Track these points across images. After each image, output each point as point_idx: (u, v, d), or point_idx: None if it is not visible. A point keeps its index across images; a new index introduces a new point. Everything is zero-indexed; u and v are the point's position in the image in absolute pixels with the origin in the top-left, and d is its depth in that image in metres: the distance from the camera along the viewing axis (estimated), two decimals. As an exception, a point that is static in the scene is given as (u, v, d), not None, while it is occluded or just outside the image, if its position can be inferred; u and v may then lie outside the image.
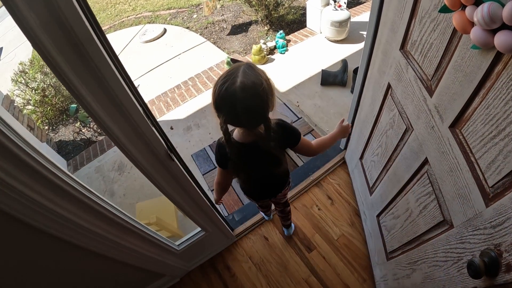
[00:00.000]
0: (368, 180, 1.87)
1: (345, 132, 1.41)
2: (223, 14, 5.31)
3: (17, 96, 3.87)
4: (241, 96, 0.92)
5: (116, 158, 3.12)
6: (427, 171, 1.11)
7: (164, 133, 1.16)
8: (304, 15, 4.82)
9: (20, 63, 3.95)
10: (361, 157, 1.98)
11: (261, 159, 1.20)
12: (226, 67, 3.70)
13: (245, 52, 4.41)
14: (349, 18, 3.55)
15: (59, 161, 3.20)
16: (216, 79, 1.00)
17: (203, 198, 1.52)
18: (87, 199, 1.03)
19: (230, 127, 1.06)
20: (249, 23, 4.92)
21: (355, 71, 2.99)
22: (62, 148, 3.79)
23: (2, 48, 6.19)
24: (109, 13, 6.23)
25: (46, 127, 4.18)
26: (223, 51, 4.52)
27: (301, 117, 2.99)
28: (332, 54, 3.66)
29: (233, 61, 3.60)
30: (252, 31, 4.78)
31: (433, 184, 1.07)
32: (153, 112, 3.45)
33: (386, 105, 1.47)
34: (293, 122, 2.92)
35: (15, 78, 3.78)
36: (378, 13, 1.39)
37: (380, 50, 1.45)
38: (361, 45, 3.72)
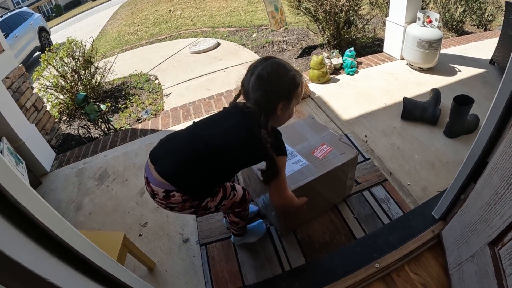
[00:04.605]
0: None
1: (297, 207, 1.28)
2: (285, 36, 4.71)
3: (43, 77, 3.51)
4: (264, 68, 1.04)
5: (103, 165, 2.38)
6: None
7: None
8: (379, 45, 3.96)
9: (55, 44, 3.65)
10: (495, 243, 0.91)
11: (223, 123, 1.13)
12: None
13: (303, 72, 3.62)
14: (441, 39, 2.58)
15: (47, 152, 2.58)
16: None
17: None
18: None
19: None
20: (313, 47, 4.19)
21: (459, 100, 1.94)
22: (66, 141, 3.24)
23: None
24: (170, 25, 6.13)
25: (65, 118, 3.73)
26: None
27: (369, 158, 1.96)
28: (416, 84, 2.65)
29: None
30: (315, 55, 4.02)
31: None
32: (166, 120, 2.86)
33: None
34: (357, 164, 1.91)
35: (45, 57, 3.42)
36: None
37: None
38: (455, 78, 2.67)
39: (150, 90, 3.99)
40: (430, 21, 2.57)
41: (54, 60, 3.43)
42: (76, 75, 3.50)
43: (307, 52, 4.12)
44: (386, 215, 1.60)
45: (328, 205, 1.68)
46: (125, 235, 1.39)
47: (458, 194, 1.18)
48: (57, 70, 3.38)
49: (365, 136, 2.15)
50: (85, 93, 2.83)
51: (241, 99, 1.15)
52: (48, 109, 3.22)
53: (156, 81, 4.27)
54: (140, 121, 3.37)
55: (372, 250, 1.35)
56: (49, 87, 3.50)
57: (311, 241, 1.58)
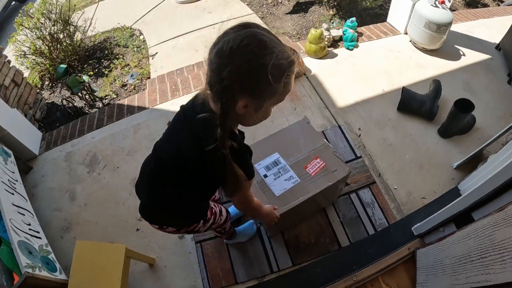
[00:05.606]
0: None
1: (271, 220, 1.24)
2: (281, -14, 4.25)
3: (21, 43, 3.19)
4: (229, 41, 0.69)
5: (91, 148, 2.34)
6: None
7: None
8: (383, 7, 3.65)
9: (29, 5, 3.24)
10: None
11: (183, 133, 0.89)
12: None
13: (298, 37, 3.40)
14: (452, 22, 2.40)
15: (33, 133, 2.49)
16: None
17: None
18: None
19: None
20: (311, 3, 3.84)
21: (459, 105, 1.90)
22: (51, 113, 3.11)
23: None
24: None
25: (47, 83, 3.52)
26: (271, 29, 3.53)
27: (360, 157, 1.96)
28: (418, 66, 2.54)
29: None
30: (312, 13, 3.71)
31: None
32: (153, 96, 2.65)
33: None
34: (348, 162, 1.93)
35: (19, 21, 3.07)
36: None
37: None
38: (458, 64, 2.56)
39: (135, 49, 3.72)
40: (443, 2, 2.35)
41: (30, 23, 3.09)
42: (54, 40, 3.20)
43: (303, 8, 3.79)
44: (369, 221, 1.69)
45: (316, 211, 1.76)
46: (126, 248, 1.46)
47: (438, 226, 1.25)
48: (34, 33, 3.07)
49: (359, 129, 2.14)
50: (65, 66, 2.63)
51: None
52: (28, 76, 3.01)
53: (141, 37, 3.95)
54: (126, 87, 3.22)
55: (352, 261, 1.47)
56: (27, 53, 3.22)
57: (297, 241, 1.69)
